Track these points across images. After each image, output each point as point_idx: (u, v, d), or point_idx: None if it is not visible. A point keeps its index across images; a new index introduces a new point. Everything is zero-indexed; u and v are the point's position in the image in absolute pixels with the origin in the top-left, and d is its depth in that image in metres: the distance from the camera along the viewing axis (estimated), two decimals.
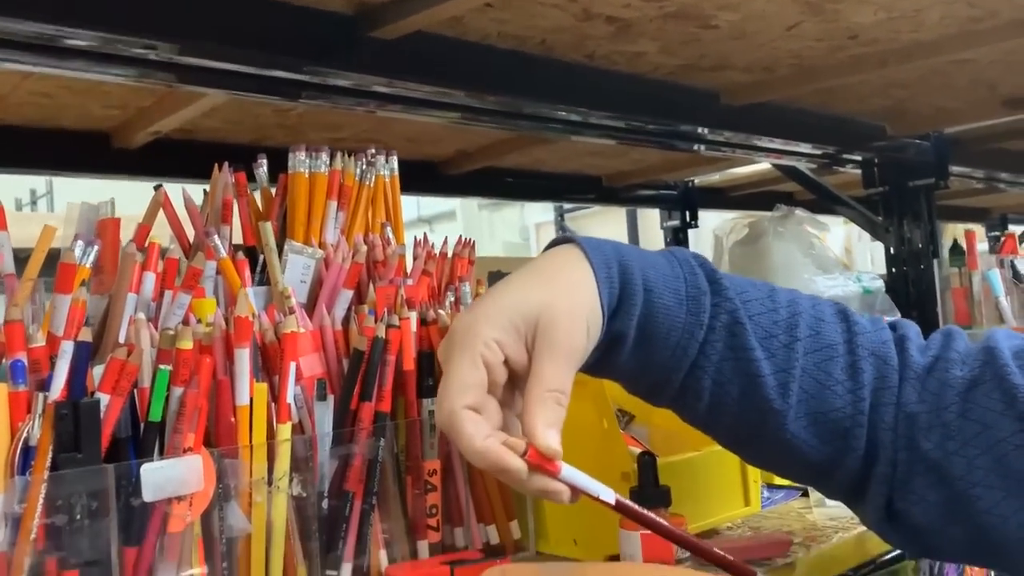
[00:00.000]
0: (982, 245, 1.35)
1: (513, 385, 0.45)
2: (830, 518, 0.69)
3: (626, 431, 0.76)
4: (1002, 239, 1.12)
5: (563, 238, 0.50)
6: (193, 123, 0.97)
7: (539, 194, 1.86)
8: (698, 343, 0.47)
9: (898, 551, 0.60)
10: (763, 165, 1.80)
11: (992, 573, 0.68)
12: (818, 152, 1.59)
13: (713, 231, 1.27)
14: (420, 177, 1.45)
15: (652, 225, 2.34)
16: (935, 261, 1.08)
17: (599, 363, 0.48)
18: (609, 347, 0.47)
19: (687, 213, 1.91)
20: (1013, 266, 1.06)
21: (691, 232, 1.91)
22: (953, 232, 2.20)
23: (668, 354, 0.47)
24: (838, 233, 3.24)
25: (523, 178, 1.64)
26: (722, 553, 0.42)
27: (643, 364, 0.48)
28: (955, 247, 1.18)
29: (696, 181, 1.93)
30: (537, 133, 1.06)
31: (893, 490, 0.47)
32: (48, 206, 4.07)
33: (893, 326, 0.50)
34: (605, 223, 3.69)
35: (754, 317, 0.48)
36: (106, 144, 1.02)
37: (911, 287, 1.58)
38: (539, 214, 4.28)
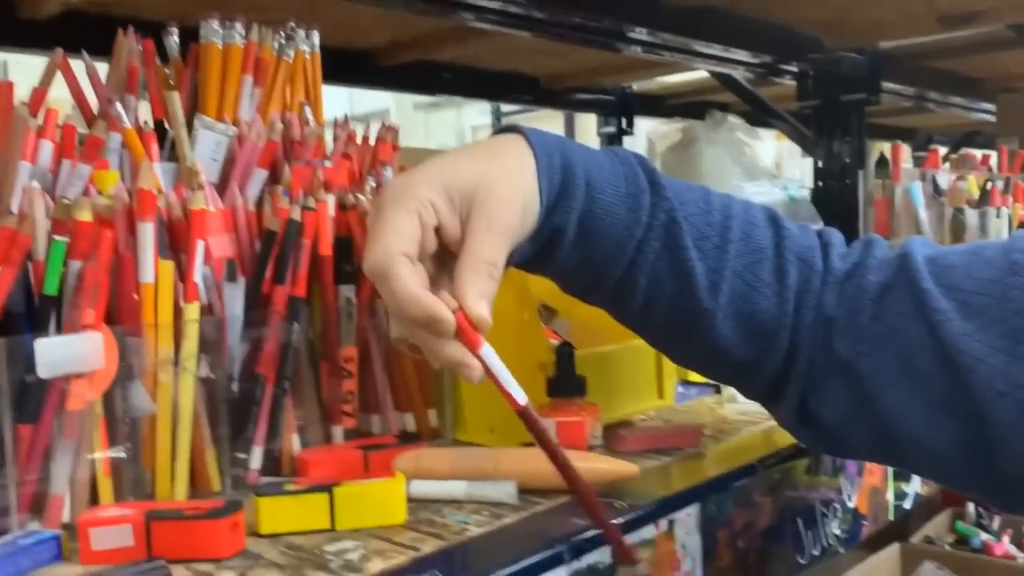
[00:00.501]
0: (907, 165, 1.39)
1: (439, 260, 0.44)
2: (740, 413, 0.70)
3: (549, 326, 0.76)
4: (926, 154, 1.14)
5: (508, 126, 0.49)
6: None
7: (475, 92, 1.81)
8: (636, 240, 0.47)
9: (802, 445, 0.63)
10: (701, 74, 1.78)
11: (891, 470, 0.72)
12: (755, 61, 1.58)
13: (647, 135, 1.26)
14: (350, 68, 1.40)
15: (589, 132, 2.32)
16: (860, 174, 1.09)
17: (537, 258, 0.47)
18: (549, 242, 0.47)
19: (623, 120, 1.89)
20: (934, 180, 1.08)
21: (626, 139, 1.90)
22: (880, 151, 2.24)
23: (607, 251, 0.47)
24: (769, 148, 3.26)
25: (459, 74, 1.59)
26: (594, 498, 0.43)
27: (582, 260, 0.48)
28: (881, 160, 1.20)
29: (634, 87, 1.91)
30: (474, 24, 1.02)
31: (807, 391, 0.49)
32: None
33: (818, 233, 0.50)
34: (541, 128, 3.64)
35: (689, 218, 0.48)
36: (10, 13, 0.94)
37: (836, 201, 1.62)
38: (476, 117, 4.19)
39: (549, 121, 3.74)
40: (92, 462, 0.50)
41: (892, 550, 1.43)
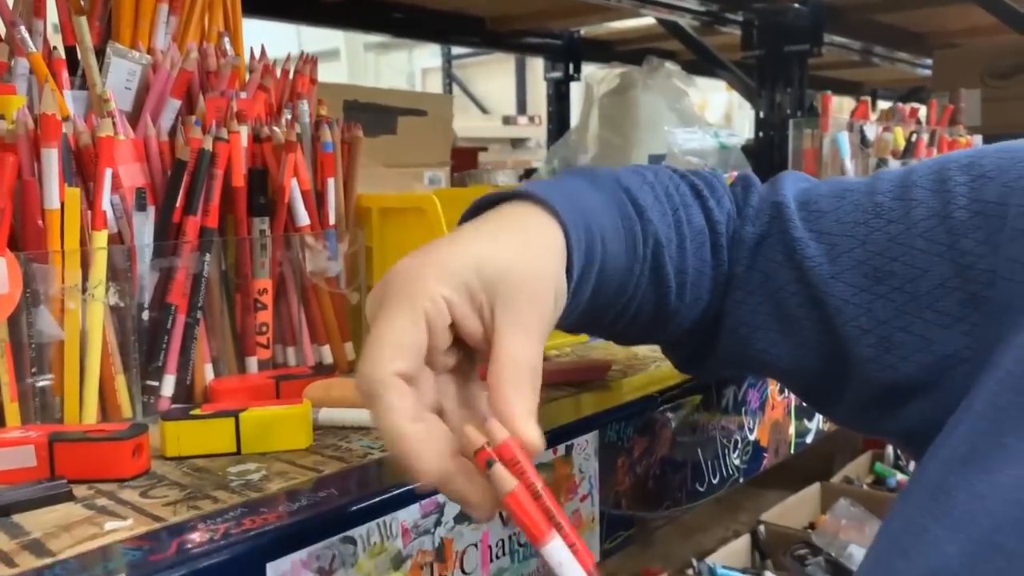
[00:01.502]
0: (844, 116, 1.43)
1: (456, 361, 0.38)
2: (652, 350, 0.73)
3: None
4: (856, 105, 1.16)
5: (516, 192, 0.43)
6: None
7: (423, 33, 1.79)
8: (635, 277, 0.46)
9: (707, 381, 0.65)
10: (648, 20, 1.79)
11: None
12: (701, 9, 1.59)
13: (585, 79, 1.26)
14: (297, 5, 1.38)
15: (539, 77, 2.31)
16: (790, 123, 1.12)
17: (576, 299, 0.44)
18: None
19: (571, 65, 1.89)
20: (862, 131, 1.11)
21: (573, 85, 1.90)
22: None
23: (610, 296, 0.46)
24: (720, 99, 3.29)
25: (407, 12, 1.57)
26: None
27: (586, 312, 0.45)
28: (811, 109, 1.22)
29: (582, 32, 1.90)
30: None
31: (701, 342, 0.52)
32: None
33: (710, 189, 0.51)
34: (492, 74, 3.60)
35: (661, 229, 0.47)
36: None
37: (776, 150, 1.64)
38: (427, 59, 4.13)
39: (499, 65, 3.70)
40: None
41: (813, 489, 1.50)
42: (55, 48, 0.60)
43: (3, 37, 0.59)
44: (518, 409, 0.35)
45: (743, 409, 0.68)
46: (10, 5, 0.60)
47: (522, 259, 0.38)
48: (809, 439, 0.77)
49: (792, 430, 0.75)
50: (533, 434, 0.35)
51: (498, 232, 0.40)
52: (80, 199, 0.53)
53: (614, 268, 0.45)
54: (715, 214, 0.50)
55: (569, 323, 0.46)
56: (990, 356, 0.39)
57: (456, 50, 3.49)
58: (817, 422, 0.78)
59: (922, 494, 0.37)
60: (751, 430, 0.69)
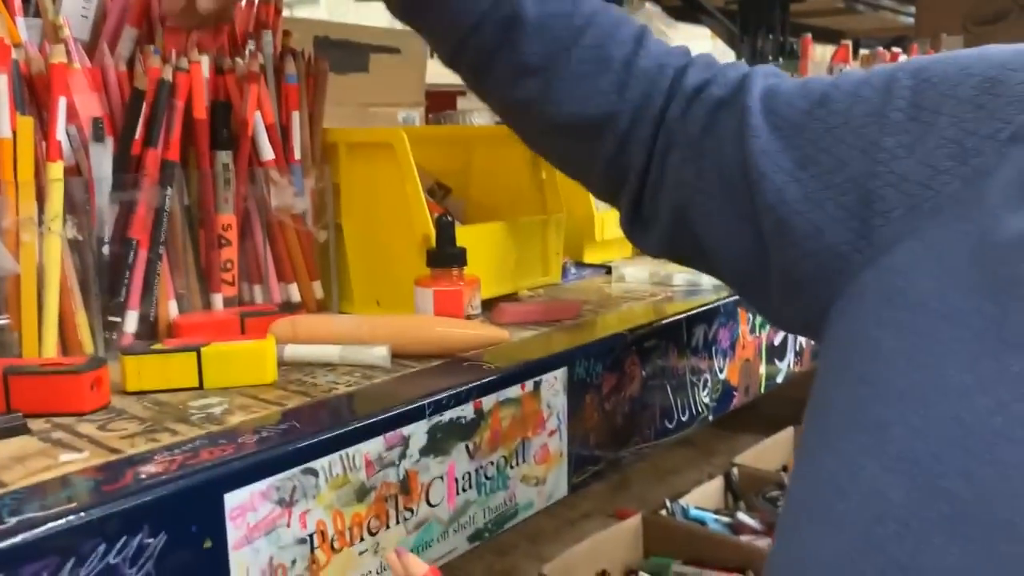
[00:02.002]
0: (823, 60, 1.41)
1: None
2: (625, 291, 0.72)
3: (442, 203, 0.76)
4: (836, 49, 1.15)
5: None
6: None
7: None
8: (470, 23, 0.51)
9: (676, 319, 0.65)
10: None
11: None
12: None
13: None
14: None
15: None
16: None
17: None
18: None
19: None
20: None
21: None
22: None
23: (445, 25, 0.52)
24: (703, 47, 3.26)
25: None
26: None
27: (423, 20, 0.53)
28: (791, 52, 1.21)
29: None
30: None
31: (642, 198, 0.53)
32: None
33: (685, 55, 0.52)
34: None
35: (547, 16, 0.50)
36: None
37: None
38: None
39: None
40: None
41: (787, 433, 1.51)
42: None
43: None
44: None
45: (713, 348, 0.68)
46: None
47: None
48: (780, 379, 0.77)
49: (763, 370, 0.75)
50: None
51: None
52: (34, 129, 0.52)
53: None
54: (644, 61, 0.51)
55: (411, 14, 0.54)
56: (880, 259, 0.39)
57: None
58: (788, 363, 0.78)
59: (854, 428, 0.37)
60: (721, 369, 0.69)
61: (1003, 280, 0.35)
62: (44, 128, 0.52)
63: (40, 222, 0.52)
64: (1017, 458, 0.32)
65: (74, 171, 0.54)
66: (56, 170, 0.52)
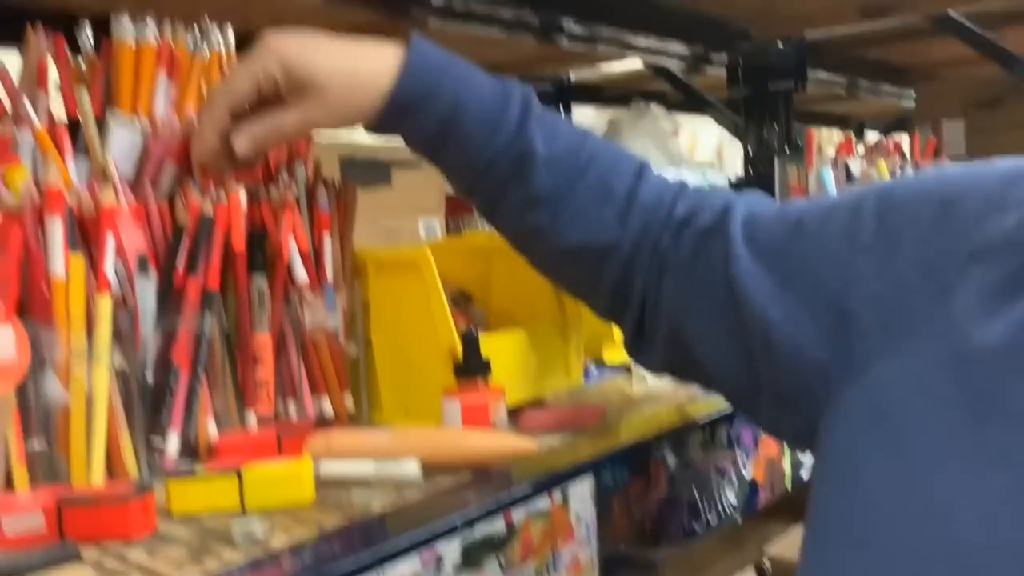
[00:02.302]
0: (832, 151, 1.46)
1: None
2: (646, 393, 0.74)
3: (465, 312, 0.78)
4: (840, 142, 1.19)
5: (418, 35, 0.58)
6: None
7: None
8: (485, 160, 0.56)
9: (700, 421, 0.66)
10: (636, 64, 1.82)
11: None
12: (686, 52, 1.62)
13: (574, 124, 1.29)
14: None
15: None
16: (776, 160, 1.14)
17: (407, 136, 0.59)
18: (410, 131, 0.58)
19: (561, 109, 1.92)
20: (847, 167, 1.13)
21: None
22: (817, 137, 2.30)
23: (461, 160, 0.57)
24: (712, 134, 3.34)
25: None
26: None
27: (438, 159, 0.59)
28: (796, 146, 1.25)
29: (572, 78, 1.93)
30: (416, 17, 1.04)
31: (642, 321, 0.56)
32: None
33: (678, 185, 0.57)
34: None
35: (556, 154, 0.55)
36: None
37: (765, 186, 1.67)
38: None
39: None
40: (7, 452, 0.52)
41: None
42: (57, 117, 0.62)
43: (7, 110, 0.61)
44: (243, 135, 0.58)
45: (736, 447, 0.69)
46: (14, 79, 0.62)
47: (340, 72, 0.55)
48: (805, 473, 0.78)
49: (787, 465, 0.76)
50: (240, 145, 0.58)
51: (348, 48, 0.56)
52: (84, 266, 0.55)
53: (463, 134, 0.55)
54: (644, 194, 0.55)
55: (427, 154, 0.59)
56: (860, 377, 0.42)
57: None
58: (812, 458, 0.79)
59: (844, 543, 0.39)
60: (745, 467, 0.70)
61: (978, 394, 0.37)
62: (93, 264, 0.56)
63: (89, 353, 0.55)
64: (1003, 573, 0.33)
65: (120, 303, 0.58)
66: (105, 304, 0.55)
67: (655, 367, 0.58)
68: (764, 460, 0.72)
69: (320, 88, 0.55)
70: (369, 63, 0.56)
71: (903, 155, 1.27)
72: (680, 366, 0.56)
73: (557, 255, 0.57)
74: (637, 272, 0.55)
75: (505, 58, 1.71)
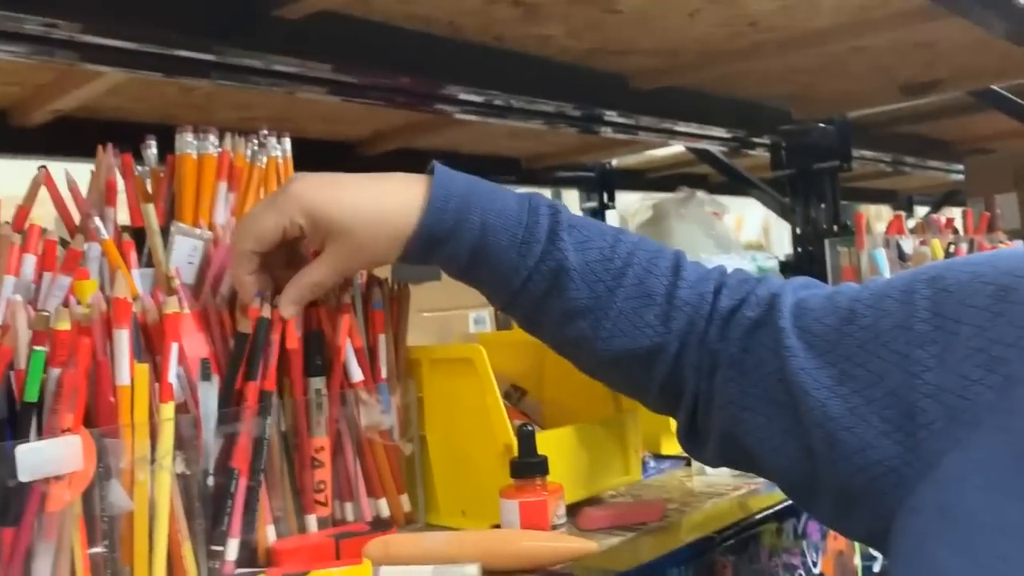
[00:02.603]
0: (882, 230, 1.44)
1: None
2: (707, 485, 0.72)
3: (519, 407, 0.78)
4: (890, 220, 1.18)
5: (434, 165, 0.60)
6: (96, 101, 0.96)
7: None
8: (520, 280, 0.56)
9: (764, 515, 0.64)
10: (678, 148, 1.85)
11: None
12: (728, 136, 1.64)
13: (619, 213, 1.30)
14: (335, 157, 1.45)
15: (573, 207, 2.37)
16: (826, 242, 1.13)
17: (444, 265, 0.59)
18: (444, 262, 0.59)
19: (605, 194, 1.94)
20: (899, 246, 1.12)
21: (609, 213, 1.95)
22: (866, 214, 2.29)
23: (495, 284, 0.57)
24: (757, 213, 3.33)
25: (442, 159, 1.64)
26: None
27: (474, 282, 0.59)
28: (845, 228, 1.24)
29: (614, 163, 1.96)
30: (455, 115, 1.07)
31: (696, 416, 0.55)
32: None
33: (719, 277, 0.56)
34: None
35: (587, 263, 0.55)
36: (2, 122, 1.00)
37: (816, 266, 1.65)
38: None
39: None
40: (72, 560, 0.52)
41: None
42: (124, 230, 0.64)
43: (78, 226, 0.64)
44: (285, 298, 0.60)
45: (804, 542, 0.67)
46: (84, 196, 0.65)
47: (365, 214, 0.57)
48: (877, 567, 0.75)
49: (857, 559, 0.73)
50: (287, 312, 0.60)
51: (370, 186, 0.58)
52: (148, 374, 0.56)
53: (495, 257, 0.56)
54: (683, 291, 0.54)
55: (465, 280, 0.60)
56: (930, 472, 0.40)
57: None
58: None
59: None
60: (815, 563, 0.68)
61: None
62: (156, 371, 0.57)
63: (152, 460, 0.56)
64: None
65: (182, 408, 0.59)
66: (168, 410, 0.56)
67: (710, 461, 0.57)
68: (833, 555, 0.69)
69: (347, 233, 0.56)
70: (393, 202, 0.57)
71: (955, 231, 1.25)
72: (736, 459, 0.55)
73: (603, 362, 0.57)
74: (687, 369, 0.54)
75: (550, 149, 1.75)
